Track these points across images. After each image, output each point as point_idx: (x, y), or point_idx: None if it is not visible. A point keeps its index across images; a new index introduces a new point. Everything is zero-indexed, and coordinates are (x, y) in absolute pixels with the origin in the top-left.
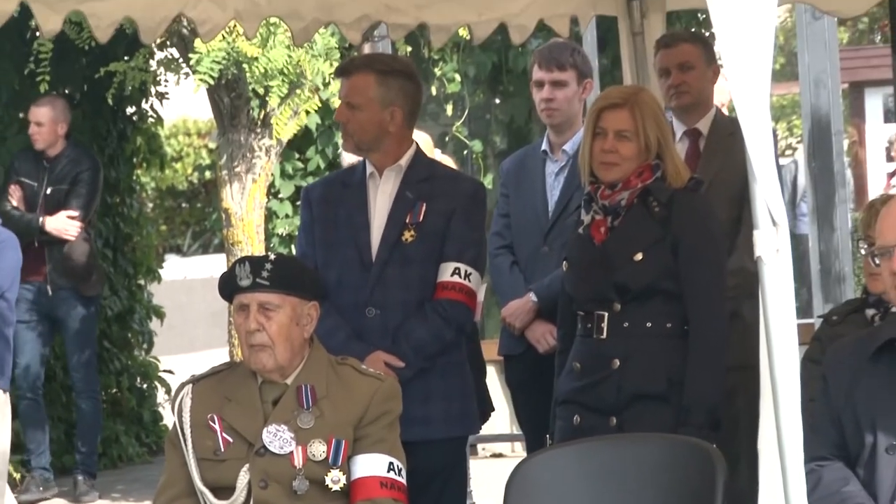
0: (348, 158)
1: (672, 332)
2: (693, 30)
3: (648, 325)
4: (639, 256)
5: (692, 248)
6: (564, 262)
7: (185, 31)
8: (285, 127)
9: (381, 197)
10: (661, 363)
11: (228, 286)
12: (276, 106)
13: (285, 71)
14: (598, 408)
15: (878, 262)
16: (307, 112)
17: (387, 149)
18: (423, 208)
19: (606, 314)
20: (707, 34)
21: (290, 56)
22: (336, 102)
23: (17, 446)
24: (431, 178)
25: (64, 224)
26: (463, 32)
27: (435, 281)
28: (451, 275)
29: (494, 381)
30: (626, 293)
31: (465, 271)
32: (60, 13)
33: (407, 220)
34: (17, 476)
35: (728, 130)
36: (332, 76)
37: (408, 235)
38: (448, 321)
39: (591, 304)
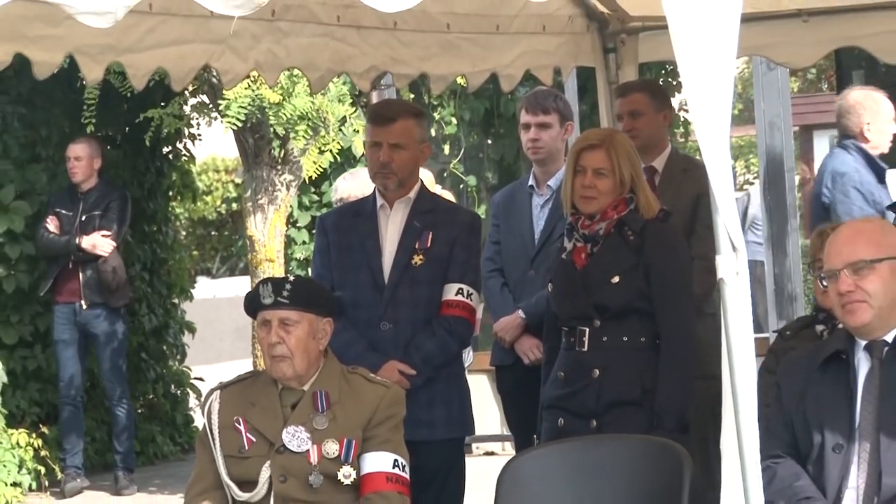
0: (343, 193)
1: (645, 346)
2: (660, 79)
3: (625, 339)
4: (615, 279)
5: (662, 272)
6: (549, 284)
7: (214, 80)
8: (313, 165)
9: (392, 226)
10: (636, 373)
11: (253, 304)
12: (302, 147)
13: (309, 116)
14: (580, 412)
15: (825, 283)
16: (331, 151)
17: (410, 183)
18: (430, 236)
19: (587, 329)
20: (675, 83)
21: (312, 102)
22: (354, 142)
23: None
24: (435, 210)
25: (100, 241)
26: (460, 81)
27: (440, 299)
28: (455, 294)
29: (487, 388)
30: (604, 311)
31: (467, 291)
32: (102, 64)
33: (416, 246)
34: (60, 476)
35: (681, 167)
36: (368, 121)
37: (417, 259)
38: (453, 335)
39: (573, 321)
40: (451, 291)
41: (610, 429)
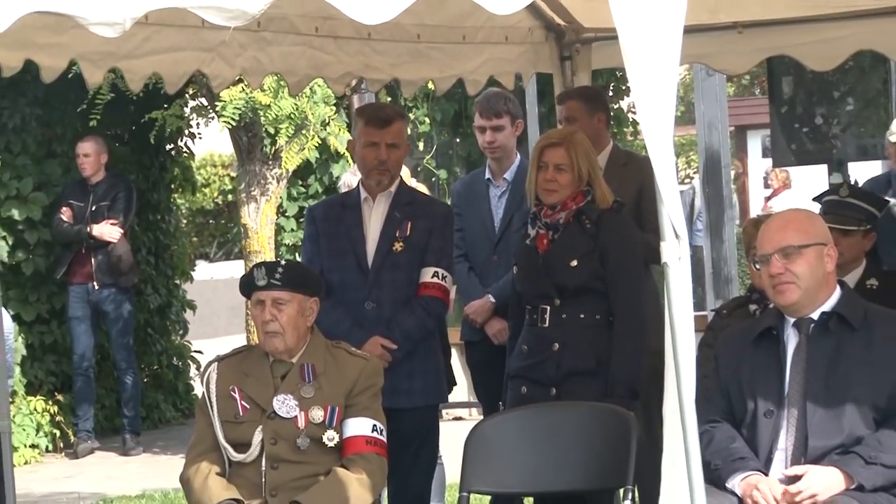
0: (347, 185)
1: (600, 323)
2: (611, 84)
3: (582, 316)
4: (574, 263)
5: (616, 257)
6: (514, 267)
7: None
8: (293, 159)
9: (375, 216)
10: (592, 347)
11: (248, 285)
12: (285, 143)
13: (292, 116)
14: (542, 381)
15: (758, 267)
16: (308, 148)
17: (393, 177)
18: (409, 225)
19: (548, 308)
20: (624, 87)
21: (296, 104)
22: (334, 141)
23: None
24: (413, 203)
25: (108, 229)
26: (430, 85)
27: (418, 282)
28: (432, 277)
29: (456, 360)
30: (564, 291)
31: (442, 274)
32: (102, 69)
33: (397, 235)
34: (73, 439)
35: (621, 162)
36: (364, 123)
37: (398, 246)
38: (430, 313)
39: (536, 300)
40: (428, 274)
41: (568, 396)
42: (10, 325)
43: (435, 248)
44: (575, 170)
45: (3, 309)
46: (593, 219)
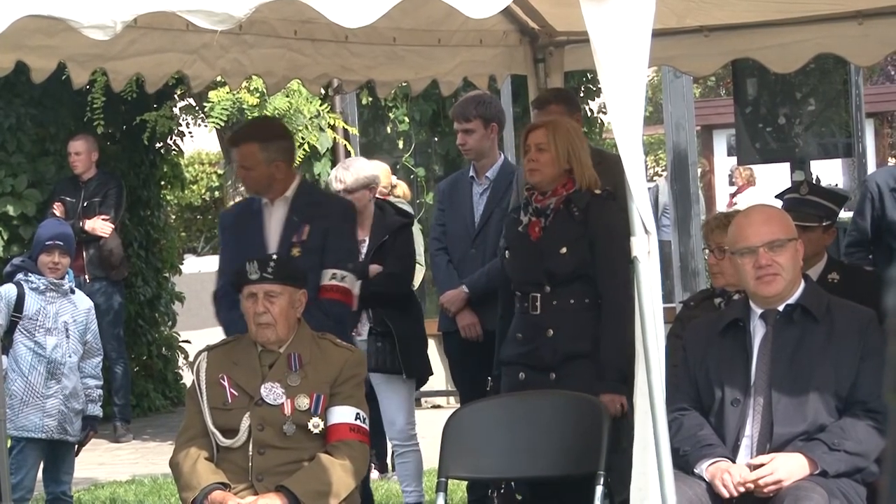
0: (336, 184)
1: (588, 306)
2: (582, 85)
3: (571, 301)
4: (564, 250)
5: (603, 245)
6: (506, 251)
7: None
8: (298, 153)
9: (274, 222)
10: (585, 329)
11: (239, 279)
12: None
13: (287, 114)
14: (539, 366)
15: (720, 257)
16: (308, 143)
17: (277, 188)
18: (307, 229)
19: (539, 295)
20: (595, 89)
21: (290, 102)
22: (313, 138)
23: None
24: (311, 204)
25: (100, 224)
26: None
27: (318, 285)
28: (330, 279)
29: (434, 350)
30: (553, 278)
31: (341, 275)
32: (88, 69)
33: (294, 240)
34: None
35: (595, 161)
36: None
37: (295, 251)
38: (328, 315)
39: (526, 287)
40: (326, 277)
41: (567, 379)
42: (88, 303)
43: (333, 249)
44: (553, 148)
45: (78, 291)
46: (581, 206)
